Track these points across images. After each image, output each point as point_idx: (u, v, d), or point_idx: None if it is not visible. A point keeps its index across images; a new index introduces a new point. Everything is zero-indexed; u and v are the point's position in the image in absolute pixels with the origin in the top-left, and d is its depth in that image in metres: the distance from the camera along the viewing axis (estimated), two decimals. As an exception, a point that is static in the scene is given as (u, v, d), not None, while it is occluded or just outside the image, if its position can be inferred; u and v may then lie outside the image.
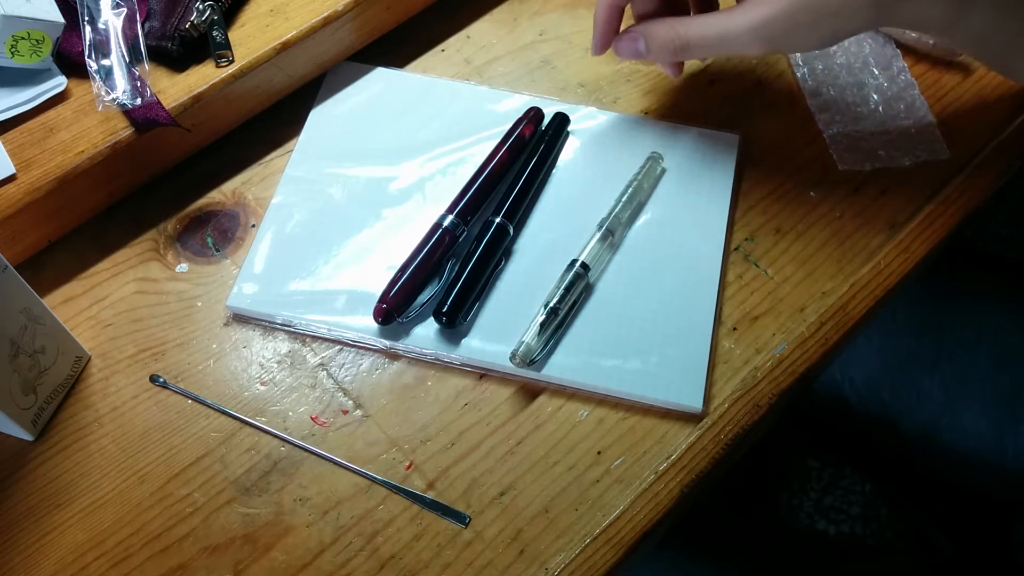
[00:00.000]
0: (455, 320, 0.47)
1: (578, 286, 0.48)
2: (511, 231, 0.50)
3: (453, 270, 0.49)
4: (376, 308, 0.48)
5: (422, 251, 0.49)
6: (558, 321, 0.47)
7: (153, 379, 0.48)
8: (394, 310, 0.48)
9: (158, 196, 0.54)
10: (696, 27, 0.46)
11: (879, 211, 0.53)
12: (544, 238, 0.52)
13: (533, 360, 0.46)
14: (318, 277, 0.50)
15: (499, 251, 0.50)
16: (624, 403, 0.47)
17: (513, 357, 0.46)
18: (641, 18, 0.51)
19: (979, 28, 0.44)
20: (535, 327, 0.47)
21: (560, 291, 0.48)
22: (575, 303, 0.48)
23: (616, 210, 0.51)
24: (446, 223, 0.50)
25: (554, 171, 0.54)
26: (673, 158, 0.54)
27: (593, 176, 0.54)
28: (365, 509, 0.45)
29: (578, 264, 0.48)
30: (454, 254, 0.50)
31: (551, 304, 0.47)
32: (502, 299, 0.49)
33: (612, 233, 0.50)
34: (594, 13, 0.51)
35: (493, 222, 0.50)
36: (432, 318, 0.48)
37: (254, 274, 0.50)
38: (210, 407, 0.47)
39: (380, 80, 0.58)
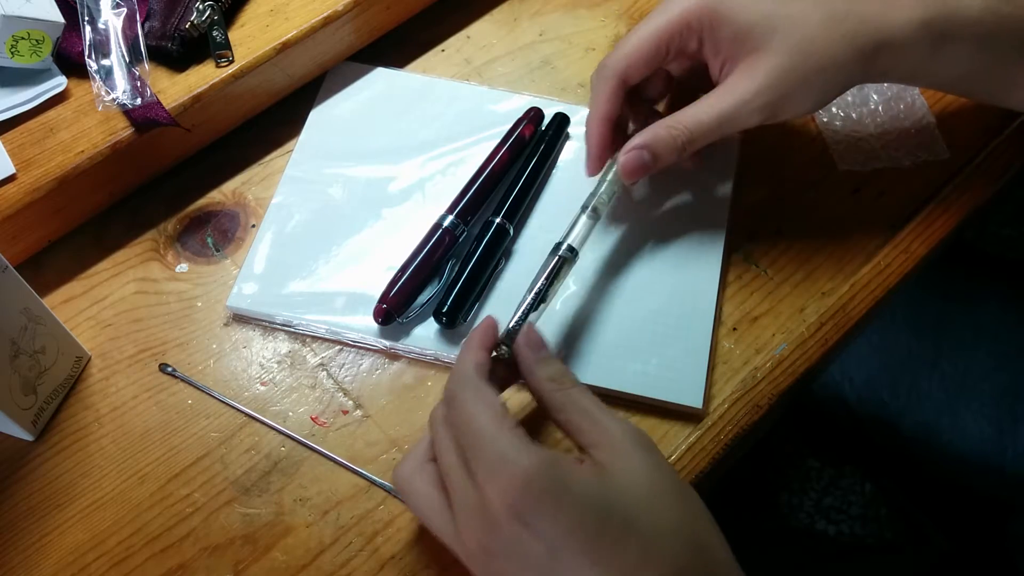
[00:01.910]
0: (455, 320, 0.47)
1: (565, 271, 0.45)
2: (511, 231, 0.50)
3: (453, 270, 0.49)
4: (376, 308, 0.48)
5: (422, 251, 0.49)
6: (544, 306, 0.44)
7: (162, 368, 0.48)
8: (394, 310, 0.48)
9: (158, 196, 0.54)
10: (691, 118, 0.45)
11: (879, 211, 0.53)
12: (544, 238, 0.51)
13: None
14: (318, 277, 0.50)
15: (499, 251, 0.50)
16: (624, 403, 0.47)
17: (499, 347, 0.42)
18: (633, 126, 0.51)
19: (958, 66, 0.45)
20: (520, 312, 0.43)
21: (545, 275, 0.45)
22: (553, 284, 0.45)
23: (601, 189, 0.48)
24: (446, 223, 0.50)
25: (554, 171, 0.54)
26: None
27: (592, 177, 0.54)
28: (365, 509, 0.45)
29: (564, 248, 0.45)
30: (454, 254, 0.50)
31: (536, 288, 0.44)
32: (502, 299, 0.49)
33: (596, 212, 0.47)
34: (585, 133, 0.49)
35: (493, 222, 0.50)
36: (432, 318, 0.48)
37: (254, 274, 0.50)
38: (217, 399, 0.47)
39: (380, 80, 0.58)
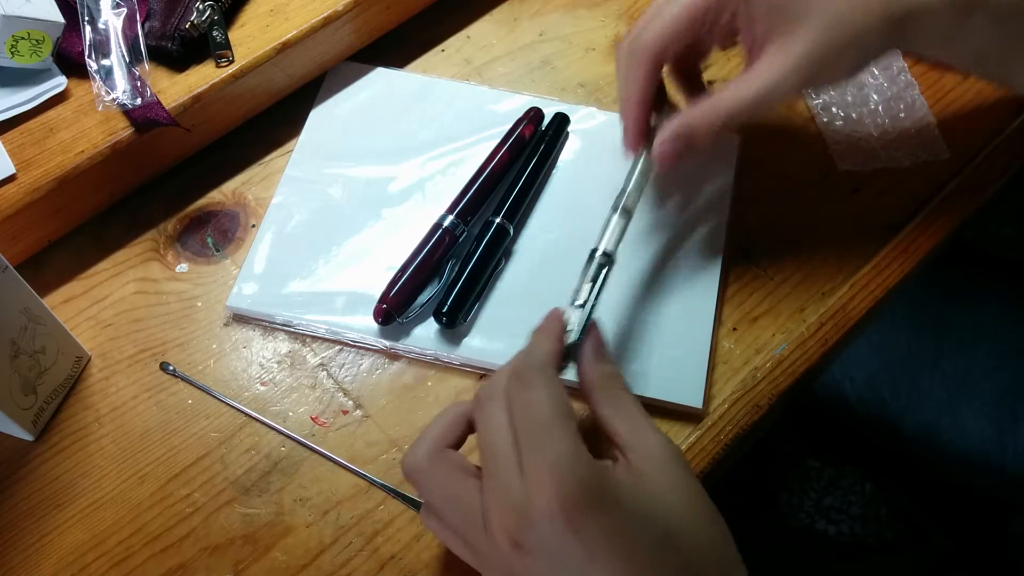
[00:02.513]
0: (455, 320, 0.47)
1: (606, 276, 0.43)
2: (511, 231, 0.50)
3: (453, 270, 0.49)
4: (376, 308, 0.48)
5: (422, 251, 0.49)
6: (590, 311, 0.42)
7: (163, 367, 0.48)
8: (394, 310, 0.48)
9: (158, 196, 0.54)
10: (731, 97, 0.44)
11: (879, 211, 0.53)
12: (544, 238, 0.52)
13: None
14: (318, 277, 0.50)
15: (499, 251, 0.50)
16: (624, 403, 0.47)
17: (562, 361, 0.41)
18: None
19: (978, 40, 0.44)
20: (575, 333, 0.41)
21: (588, 286, 0.43)
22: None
23: (630, 187, 0.46)
24: (446, 223, 0.50)
25: (554, 171, 0.54)
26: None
27: (593, 176, 0.54)
28: (365, 509, 0.45)
29: (599, 254, 0.44)
30: (454, 254, 0.50)
31: (584, 302, 0.42)
32: (502, 299, 0.49)
33: (629, 212, 0.45)
34: (621, 118, 0.47)
35: (493, 222, 0.50)
36: (432, 318, 0.48)
37: (254, 274, 0.50)
38: (217, 399, 0.47)
39: (380, 80, 0.58)
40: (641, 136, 0.47)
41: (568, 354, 0.40)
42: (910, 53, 0.58)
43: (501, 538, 0.34)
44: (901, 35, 0.43)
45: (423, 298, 0.49)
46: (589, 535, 0.32)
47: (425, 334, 0.48)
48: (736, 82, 0.44)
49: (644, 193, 0.53)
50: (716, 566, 0.35)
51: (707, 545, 0.35)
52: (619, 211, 0.45)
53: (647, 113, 0.47)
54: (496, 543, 0.34)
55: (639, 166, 0.47)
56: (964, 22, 0.43)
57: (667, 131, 0.45)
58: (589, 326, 0.41)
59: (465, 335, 0.48)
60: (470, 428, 0.39)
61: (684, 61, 0.50)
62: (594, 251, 0.44)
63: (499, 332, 0.48)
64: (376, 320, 0.48)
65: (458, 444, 0.39)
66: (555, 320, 0.40)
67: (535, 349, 0.38)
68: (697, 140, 0.44)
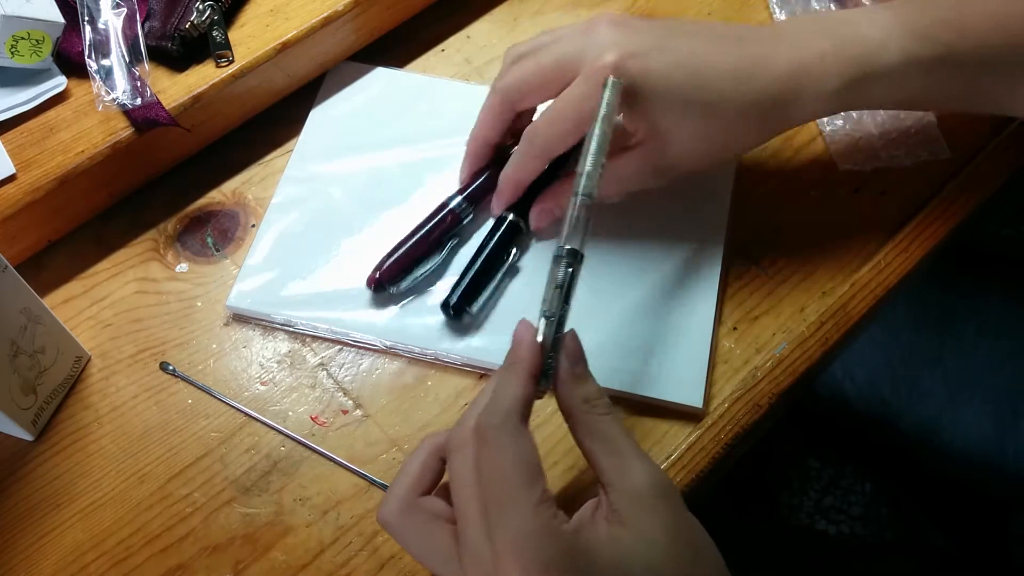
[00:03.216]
0: (462, 312, 0.47)
1: (572, 280, 0.39)
2: (524, 228, 0.50)
3: (453, 251, 0.49)
4: (369, 277, 0.48)
5: (424, 227, 0.49)
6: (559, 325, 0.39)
7: (163, 366, 0.48)
8: (386, 280, 0.48)
9: (158, 196, 0.54)
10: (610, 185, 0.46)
11: (879, 211, 0.53)
12: (544, 238, 0.52)
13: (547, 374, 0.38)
14: (318, 277, 0.50)
15: (511, 247, 0.50)
16: (624, 403, 0.47)
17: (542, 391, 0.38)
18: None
19: (883, 102, 0.46)
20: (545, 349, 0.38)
21: (556, 292, 0.38)
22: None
23: (588, 167, 0.40)
24: (452, 204, 0.50)
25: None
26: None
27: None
28: (365, 509, 0.45)
29: (564, 253, 0.39)
30: (456, 234, 0.50)
31: (548, 313, 0.38)
32: (503, 299, 0.49)
33: (592, 196, 0.40)
34: (467, 144, 0.51)
35: (506, 218, 0.50)
36: (439, 312, 0.48)
37: (254, 274, 0.50)
38: (217, 399, 0.47)
39: (380, 80, 0.58)
40: (476, 169, 0.51)
41: (545, 370, 0.37)
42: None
43: None
44: (788, 114, 0.45)
45: (418, 271, 0.49)
46: None
47: (425, 333, 0.48)
48: (618, 159, 0.46)
49: (644, 193, 0.53)
50: None
51: None
52: (579, 196, 0.40)
53: (489, 154, 0.51)
54: None
55: (594, 141, 0.41)
56: (860, 98, 0.45)
57: (540, 201, 0.49)
58: (563, 339, 0.37)
59: (466, 335, 0.48)
60: (443, 463, 0.38)
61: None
62: (559, 250, 0.39)
63: (500, 331, 0.48)
64: (368, 287, 0.48)
65: (433, 485, 0.38)
66: (526, 348, 0.37)
67: (501, 397, 0.35)
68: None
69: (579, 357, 0.38)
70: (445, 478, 0.38)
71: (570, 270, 0.38)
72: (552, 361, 0.37)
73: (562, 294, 0.38)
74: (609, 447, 0.36)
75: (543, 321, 0.38)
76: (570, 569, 0.32)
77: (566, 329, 0.38)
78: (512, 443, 0.34)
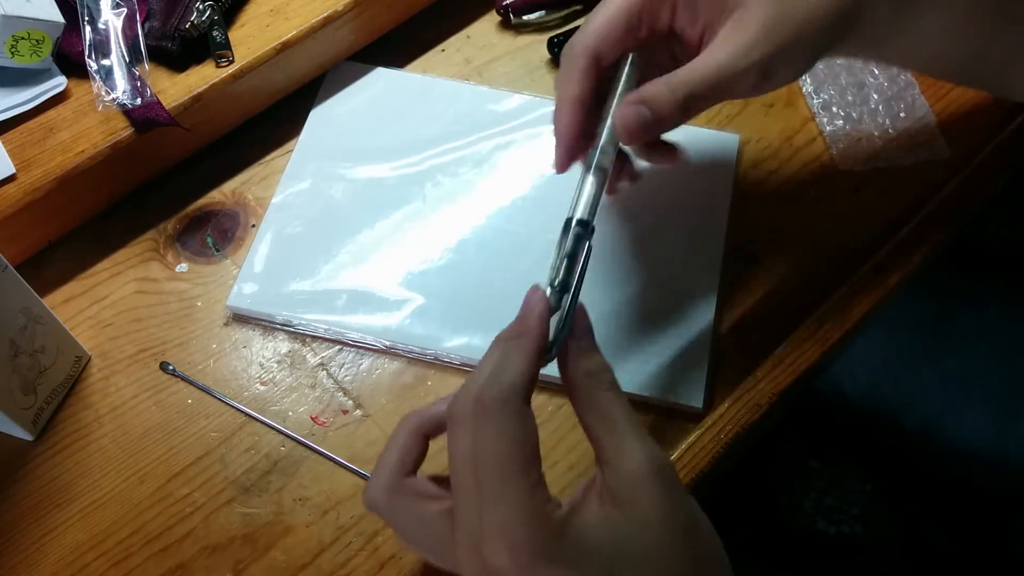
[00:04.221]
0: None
1: (586, 252, 0.38)
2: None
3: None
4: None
5: None
6: (571, 297, 0.38)
7: (163, 366, 0.48)
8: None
9: (158, 196, 0.54)
10: (688, 73, 0.41)
11: (880, 210, 0.53)
12: (546, 239, 0.52)
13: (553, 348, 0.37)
14: (318, 277, 0.50)
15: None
16: (624, 403, 0.47)
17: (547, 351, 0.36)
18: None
19: (934, 33, 0.43)
20: (554, 324, 0.37)
21: (566, 264, 0.38)
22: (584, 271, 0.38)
23: (603, 142, 0.41)
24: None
25: (551, 173, 0.54)
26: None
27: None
28: (365, 509, 0.44)
29: (575, 223, 0.38)
30: None
31: (555, 282, 0.37)
32: (504, 297, 0.49)
33: (605, 171, 0.40)
34: (554, 122, 0.43)
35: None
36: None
37: (254, 274, 0.50)
38: (217, 398, 0.47)
39: (380, 80, 0.58)
40: (572, 141, 0.43)
41: (550, 345, 0.36)
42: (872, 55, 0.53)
43: (470, 571, 0.33)
44: (854, 20, 0.41)
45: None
46: None
47: (425, 333, 0.48)
48: (692, 63, 0.41)
49: (644, 191, 0.53)
50: None
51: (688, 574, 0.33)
52: (592, 170, 0.40)
53: (581, 116, 0.43)
54: (468, 569, 0.33)
55: (611, 118, 0.42)
56: (911, 9, 0.42)
57: (626, 99, 0.41)
58: (574, 314, 0.36)
59: (465, 334, 0.48)
60: (427, 441, 0.38)
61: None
62: (569, 220, 0.39)
63: (500, 331, 0.48)
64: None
65: (417, 464, 0.38)
66: (535, 319, 0.36)
67: (505, 368, 0.34)
68: (659, 112, 0.40)
69: (586, 330, 0.37)
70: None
71: (583, 242, 0.38)
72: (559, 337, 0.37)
73: (574, 266, 0.37)
74: (608, 424, 0.35)
75: (549, 290, 0.37)
76: (559, 557, 0.32)
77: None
78: (513, 424, 0.33)
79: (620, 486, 0.33)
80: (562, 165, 0.44)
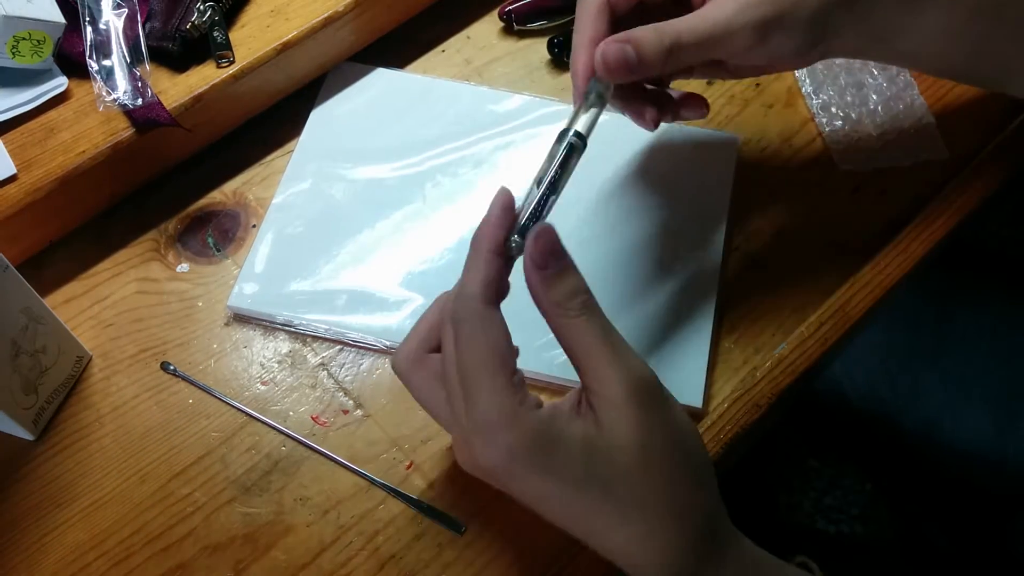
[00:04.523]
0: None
1: (575, 160, 0.40)
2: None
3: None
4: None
5: None
6: (555, 200, 0.39)
7: (164, 366, 0.48)
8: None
9: (159, 196, 0.54)
10: (684, 24, 0.41)
11: (879, 210, 0.53)
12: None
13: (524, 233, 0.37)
14: (319, 277, 0.50)
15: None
16: (624, 403, 0.47)
17: (509, 242, 0.37)
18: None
19: (938, 31, 0.43)
20: (531, 207, 0.38)
21: (556, 168, 0.39)
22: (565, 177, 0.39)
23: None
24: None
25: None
26: (673, 158, 0.54)
27: (592, 176, 0.54)
28: (365, 509, 0.45)
29: (571, 134, 0.40)
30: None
31: (547, 180, 0.38)
32: (505, 301, 0.49)
33: (603, 100, 0.42)
34: (571, 63, 0.44)
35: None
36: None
37: (255, 274, 0.50)
38: (218, 398, 0.47)
39: (380, 80, 0.58)
40: (591, 74, 0.43)
41: (509, 240, 0.37)
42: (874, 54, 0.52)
43: (464, 463, 0.37)
44: (855, 5, 0.42)
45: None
46: (530, 489, 0.34)
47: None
48: (691, 14, 0.42)
49: (644, 192, 0.53)
50: (664, 517, 0.34)
51: (655, 497, 0.34)
52: (593, 97, 0.42)
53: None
54: (463, 460, 0.37)
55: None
56: (914, 2, 0.42)
57: (612, 37, 0.42)
58: (538, 232, 0.35)
59: None
60: None
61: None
62: (565, 131, 0.40)
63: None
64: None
65: (439, 343, 0.39)
66: (493, 224, 0.36)
67: (467, 282, 0.36)
68: (643, 53, 0.41)
69: (546, 254, 0.36)
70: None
71: (574, 152, 0.39)
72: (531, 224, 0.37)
73: (561, 170, 0.39)
74: (581, 351, 0.35)
75: (533, 187, 0.38)
76: (533, 454, 0.34)
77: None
78: (478, 330, 0.35)
79: (599, 409, 0.35)
80: (583, 87, 0.44)
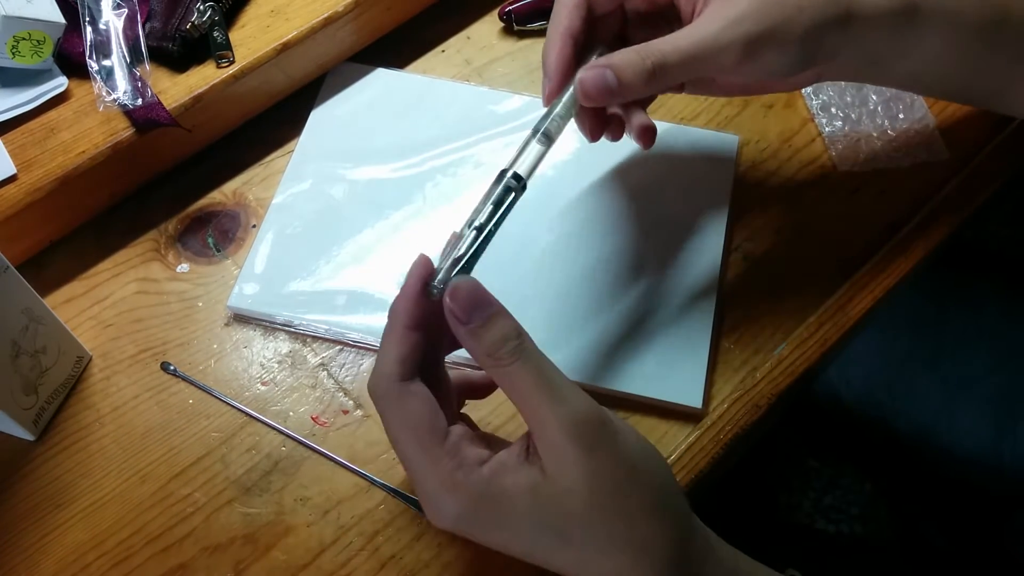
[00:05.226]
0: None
1: (511, 203, 0.38)
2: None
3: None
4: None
5: None
6: (486, 247, 0.38)
7: (164, 366, 0.48)
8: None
9: (159, 196, 0.54)
10: (666, 43, 0.40)
11: (879, 211, 0.53)
12: (545, 239, 0.52)
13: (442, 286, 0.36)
14: (319, 277, 0.50)
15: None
16: (624, 403, 0.47)
17: (429, 289, 0.36)
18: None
19: (934, 56, 0.43)
20: (457, 252, 0.37)
21: (490, 208, 0.38)
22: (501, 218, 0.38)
23: (556, 111, 0.41)
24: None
25: (553, 172, 0.54)
26: (673, 158, 0.54)
27: (592, 176, 0.54)
28: (365, 509, 0.45)
29: (508, 176, 0.38)
30: None
31: (477, 223, 0.37)
32: (503, 299, 0.49)
33: (550, 139, 0.40)
34: (543, 54, 0.43)
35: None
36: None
37: (255, 274, 0.50)
38: (218, 399, 0.47)
39: (380, 81, 0.58)
40: (561, 74, 0.42)
41: (431, 285, 0.36)
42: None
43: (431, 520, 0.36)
44: (847, 25, 0.41)
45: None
46: (488, 541, 0.35)
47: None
48: (676, 33, 0.41)
49: (644, 192, 0.53)
50: (623, 553, 0.33)
51: (609, 538, 0.33)
52: (539, 135, 0.40)
53: (572, 50, 0.42)
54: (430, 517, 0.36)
55: (569, 91, 0.42)
56: (911, 27, 0.42)
57: (592, 62, 0.41)
58: (454, 289, 0.35)
59: None
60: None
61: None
62: (504, 172, 0.39)
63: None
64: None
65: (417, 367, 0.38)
66: (407, 297, 0.36)
67: (381, 358, 0.36)
68: (624, 78, 0.40)
69: (471, 308, 0.35)
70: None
71: (512, 194, 0.38)
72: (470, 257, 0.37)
73: (495, 211, 0.38)
74: (519, 397, 0.34)
75: (469, 231, 0.37)
76: (479, 515, 0.34)
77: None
78: (397, 409, 0.35)
79: (543, 454, 0.34)
80: (551, 97, 0.43)
